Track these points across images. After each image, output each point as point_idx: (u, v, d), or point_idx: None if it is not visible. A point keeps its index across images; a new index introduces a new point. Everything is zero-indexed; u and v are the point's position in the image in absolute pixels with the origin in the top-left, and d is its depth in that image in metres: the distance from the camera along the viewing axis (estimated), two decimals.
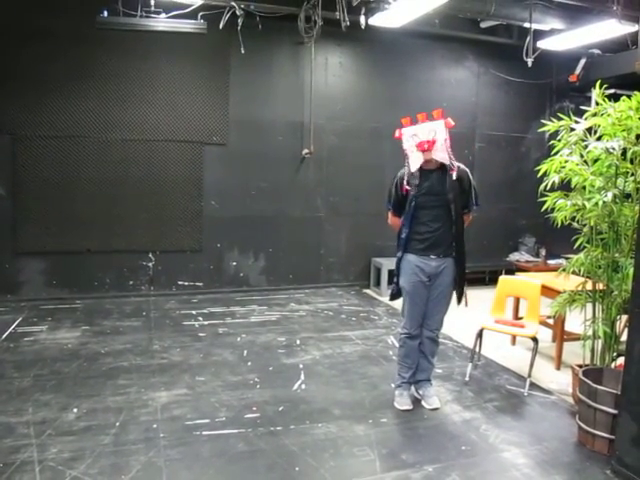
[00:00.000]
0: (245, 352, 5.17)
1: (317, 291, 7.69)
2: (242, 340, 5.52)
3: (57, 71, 6.53)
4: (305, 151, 7.54)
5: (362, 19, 6.31)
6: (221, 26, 6.45)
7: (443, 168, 3.88)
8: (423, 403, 4.12)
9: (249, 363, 4.89)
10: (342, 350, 5.31)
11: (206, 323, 6.06)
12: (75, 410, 3.87)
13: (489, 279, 8.43)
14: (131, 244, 7.02)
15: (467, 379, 4.62)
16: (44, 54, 6.47)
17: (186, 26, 6.18)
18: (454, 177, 3.84)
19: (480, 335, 4.74)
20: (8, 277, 6.66)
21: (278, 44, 7.38)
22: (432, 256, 3.96)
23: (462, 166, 3.97)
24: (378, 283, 7.72)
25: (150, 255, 7.13)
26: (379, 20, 6.49)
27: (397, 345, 5.40)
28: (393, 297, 4.23)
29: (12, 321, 5.89)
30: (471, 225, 4.24)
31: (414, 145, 3.83)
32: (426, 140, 3.77)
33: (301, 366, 4.84)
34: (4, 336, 5.41)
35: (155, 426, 3.67)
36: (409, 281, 4.01)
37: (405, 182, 3.94)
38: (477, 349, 4.84)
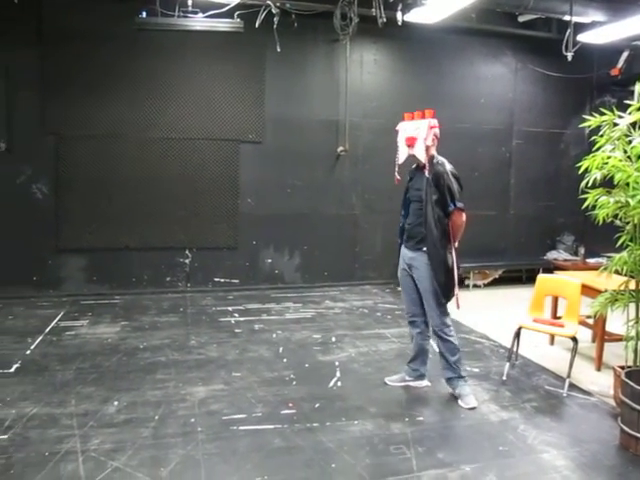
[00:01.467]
0: (281, 349, 5.21)
1: (352, 289, 7.69)
2: (278, 337, 5.56)
3: (98, 72, 6.68)
4: (340, 149, 7.54)
5: (399, 15, 6.27)
6: (257, 25, 6.50)
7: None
8: (460, 402, 4.08)
9: (285, 360, 4.92)
10: (378, 348, 5.30)
11: (242, 319, 6.12)
12: (116, 403, 3.95)
13: (526, 278, 8.31)
14: (168, 241, 7.13)
15: (504, 378, 4.56)
16: (85, 56, 6.63)
17: (223, 25, 6.23)
18: (426, 174, 4.01)
19: (518, 334, 4.67)
20: (50, 273, 6.85)
21: (313, 42, 7.40)
22: (409, 247, 4.23)
23: (444, 164, 4.04)
24: None
25: (187, 252, 7.23)
26: (415, 16, 6.44)
27: (433, 343, 5.39)
28: None
29: (54, 315, 6.05)
30: (460, 228, 4.11)
31: (404, 139, 4.08)
32: (410, 136, 4.02)
33: (337, 363, 4.85)
34: (47, 330, 5.57)
35: (193, 420, 3.73)
36: (398, 269, 4.41)
37: (396, 173, 4.21)
38: (515, 348, 4.77)
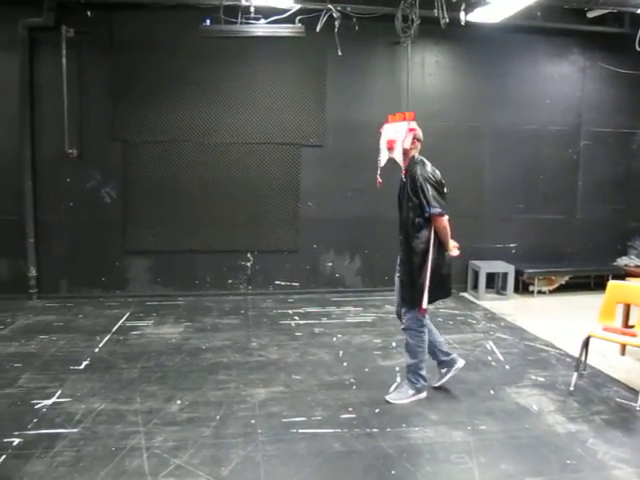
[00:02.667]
0: (341, 352, 5.19)
1: None
2: (338, 340, 5.55)
3: (163, 79, 6.88)
4: None
5: (462, 15, 6.17)
6: (318, 29, 6.52)
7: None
8: (391, 389, 4.25)
9: (345, 363, 4.91)
10: None
11: (302, 323, 6.15)
12: (178, 402, 4.04)
13: (594, 284, 7.98)
14: (230, 244, 7.25)
15: (572, 389, 4.38)
16: (151, 64, 6.84)
17: (285, 30, 6.32)
18: (403, 178, 3.97)
19: (587, 343, 4.48)
20: (117, 274, 7.10)
21: (374, 45, 7.36)
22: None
23: (422, 167, 3.92)
24: (475, 286, 7.51)
25: (248, 255, 7.33)
26: (478, 16, 6.32)
27: (497, 351, 5.27)
28: None
29: (121, 315, 6.26)
30: (443, 232, 4.05)
31: (385, 141, 4.05)
32: (390, 139, 4.00)
33: (397, 368, 4.78)
34: (114, 329, 5.77)
35: (253, 422, 3.76)
36: None
37: (378, 175, 4.16)
38: (583, 358, 4.58)
